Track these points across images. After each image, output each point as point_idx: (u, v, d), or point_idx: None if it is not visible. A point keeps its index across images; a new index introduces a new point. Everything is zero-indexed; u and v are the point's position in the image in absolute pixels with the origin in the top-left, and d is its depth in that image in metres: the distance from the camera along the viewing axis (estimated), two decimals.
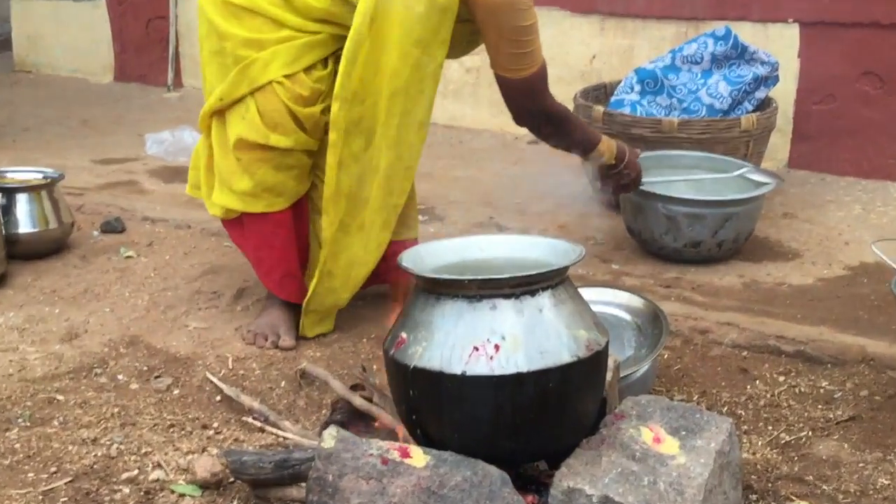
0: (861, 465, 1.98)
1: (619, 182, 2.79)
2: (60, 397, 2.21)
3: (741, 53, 3.55)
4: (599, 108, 3.46)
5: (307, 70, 2.34)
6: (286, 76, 2.33)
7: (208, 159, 2.50)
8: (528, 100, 2.39)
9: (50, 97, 5.38)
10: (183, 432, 2.09)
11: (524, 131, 2.57)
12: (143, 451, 2.00)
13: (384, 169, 2.38)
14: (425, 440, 1.68)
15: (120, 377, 2.33)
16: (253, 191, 2.42)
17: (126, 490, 1.87)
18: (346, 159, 2.33)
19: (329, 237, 2.40)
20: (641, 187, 2.93)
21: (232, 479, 1.88)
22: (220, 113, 2.42)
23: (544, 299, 1.62)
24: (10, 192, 3.01)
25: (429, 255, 1.78)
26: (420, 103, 2.34)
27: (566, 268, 1.67)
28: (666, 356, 2.45)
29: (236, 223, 2.52)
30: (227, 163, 2.43)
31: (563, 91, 3.49)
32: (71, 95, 5.41)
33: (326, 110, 2.37)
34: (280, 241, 2.48)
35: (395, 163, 2.38)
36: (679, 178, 3.12)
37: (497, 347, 1.57)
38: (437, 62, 2.30)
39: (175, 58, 5.50)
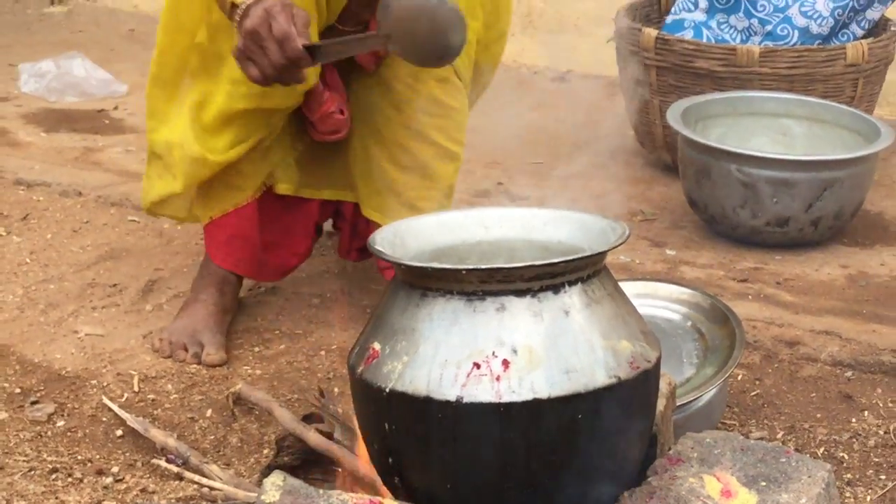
0: None
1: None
2: None
3: None
4: (651, 32, 3.44)
5: None
6: None
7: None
8: None
9: None
10: (70, 480, 2.08)
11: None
12: None
13: None
14: (406, 492, 1.69)
15: None
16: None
17: None
18: None
19: None
20: (708, 142, 2.91)
21: None
22: None
23: (572, 297, 1.62)
24: None
25: (412, 236, 1.78)
26: None
27: (603, 254, 1.67)
28: (740, 377, 2.46)
29: None
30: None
31: (601, 4, 3.47)
32: None
33: None
34: None
35: None
36: None
37: (506, 364, 1.58)
38: None
39: None
